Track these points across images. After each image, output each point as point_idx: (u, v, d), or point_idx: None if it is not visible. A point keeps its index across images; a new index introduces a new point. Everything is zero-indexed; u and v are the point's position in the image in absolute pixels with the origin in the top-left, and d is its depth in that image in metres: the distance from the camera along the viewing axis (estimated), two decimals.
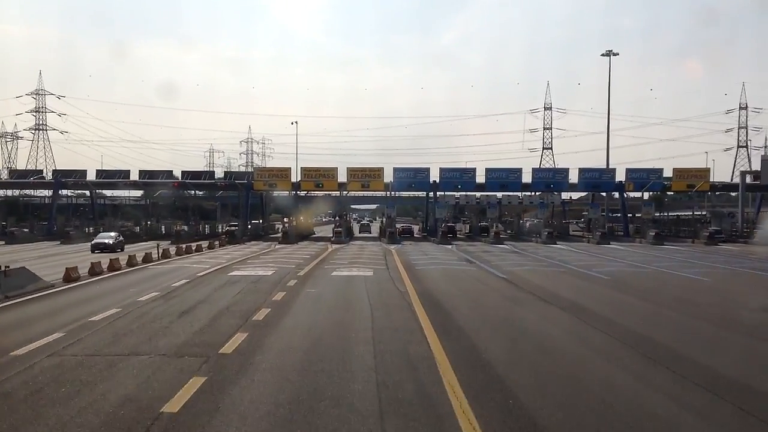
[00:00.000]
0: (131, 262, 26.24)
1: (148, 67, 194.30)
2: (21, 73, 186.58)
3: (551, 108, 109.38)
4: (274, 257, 32.80)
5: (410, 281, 20.76)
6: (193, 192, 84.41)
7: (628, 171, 57.75)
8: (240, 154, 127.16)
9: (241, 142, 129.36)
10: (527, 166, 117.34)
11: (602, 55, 71.17)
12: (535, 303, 16.44)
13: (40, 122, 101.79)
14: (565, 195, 63.75)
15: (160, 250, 30.99)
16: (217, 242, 44.81)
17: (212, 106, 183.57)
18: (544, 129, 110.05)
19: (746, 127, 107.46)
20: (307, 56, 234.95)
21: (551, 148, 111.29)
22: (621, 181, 57.17)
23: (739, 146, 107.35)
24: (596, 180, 56.91)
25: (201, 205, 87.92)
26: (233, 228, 53.14)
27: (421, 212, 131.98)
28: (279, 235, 55.85)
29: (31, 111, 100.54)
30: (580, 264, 29.09)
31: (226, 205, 76.43)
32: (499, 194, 58.44)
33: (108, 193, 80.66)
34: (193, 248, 36.98)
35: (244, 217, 57.71)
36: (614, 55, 71.68)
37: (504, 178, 57.35)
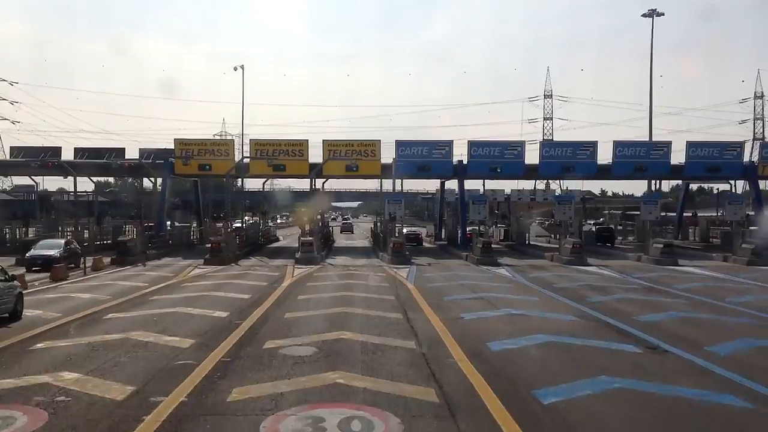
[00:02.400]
0: None
1: (126, 57, 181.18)
2: None
3: (552, 96, 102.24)
4: (129, 324, 14.50)
5: None
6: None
7: (763, 146, 40.02)
8: None
9: (214, 135, 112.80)
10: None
11: (643, 15, 55.86)
12: None
13: None
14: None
15: None
16: (87, 263, 26.67)
17: (190, 98, 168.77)
18: (544, 119, 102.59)
19: (762, 118, 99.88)
20: (295, 49, 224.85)
21: (552, 140, 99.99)
22: (753, 162, 39.53)
23: (755, 138, 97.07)
24: (714, 159, 39.01)
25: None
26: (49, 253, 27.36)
27: (407, 210, 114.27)
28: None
29: None
30: None
31: (188, 201, 57.89)
32: (494, 186, 41.34)
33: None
34: None
35: (159, 216, 39.18)
36: (658, 15, 55.92)
37: (569, 158, 39.43)
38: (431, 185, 68.53)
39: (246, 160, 39.88)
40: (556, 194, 41.41)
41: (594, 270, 28.56)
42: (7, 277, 15.36)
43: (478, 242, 32.02)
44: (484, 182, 39.82)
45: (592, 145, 39.90)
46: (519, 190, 67.12)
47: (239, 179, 47.86)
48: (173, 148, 40.82)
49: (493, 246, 33.61)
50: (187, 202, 57.21)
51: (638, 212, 64.72)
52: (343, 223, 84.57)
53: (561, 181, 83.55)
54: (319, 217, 43.14)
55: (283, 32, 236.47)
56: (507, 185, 55.75)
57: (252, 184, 62.22)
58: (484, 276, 25.90)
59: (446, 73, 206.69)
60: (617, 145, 40.04)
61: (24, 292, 16.45)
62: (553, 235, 50.58)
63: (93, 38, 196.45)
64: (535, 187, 54.92)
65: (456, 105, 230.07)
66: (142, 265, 29.89)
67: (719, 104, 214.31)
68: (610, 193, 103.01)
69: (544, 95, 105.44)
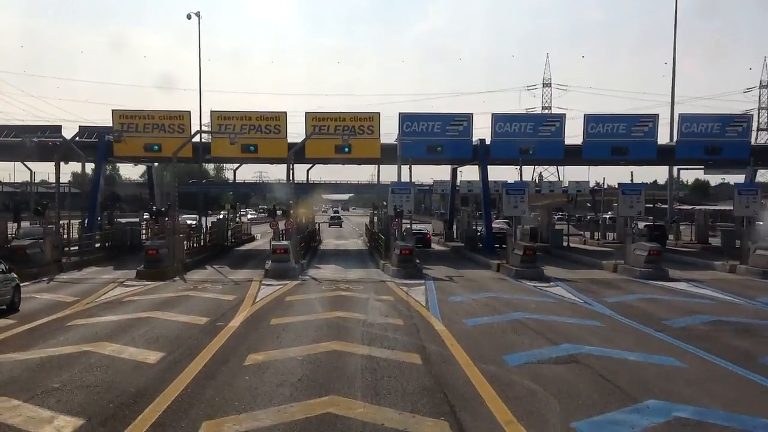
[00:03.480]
0: None
1: (118, 49, 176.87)
2: None
3: (551, 84, 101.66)
4: None
5: None
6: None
7: None
8: None
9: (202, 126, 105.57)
10: None
11: None
12: None
13: None
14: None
15: None
16: None
17: (187, 88, 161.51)
18: (543, 108, 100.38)
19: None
20: (291, 42, 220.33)
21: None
22: None
23: (759, 129, 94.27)
24: None
25: (135, 195, 64.76)
26: None
27: (387, 203, 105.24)
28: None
29: None
30: None
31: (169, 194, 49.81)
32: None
33: None
34: None
35: (92, 209, 30.95)
36: None
37: (623, 136, 31.51)
38: (427, 175, 60.71)
39: (206, 138, 31.65)
40: (565, 185, 33.14)
41: (689, 289, 20.65)
42: (4, 269, 15.21)
43: (517, 247, 24.00)
44: (520, 168, 31.65)
45: (652, 120, 31.97)
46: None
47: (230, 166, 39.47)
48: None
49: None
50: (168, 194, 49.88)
51: (658, 205, 57.35)
52: (331, 217, 77.58)
53: (532, 168, 76.99)
54: (303, 210, 34.99)
55: (279, 25, 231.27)
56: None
57: (244, 174, 54.24)
58: (541, 301, 17.89)
59: (443, 62, 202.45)
60: (683, 119, 32.10)
61: None
62: (590, 234, 42.83)
63: (83, 29, 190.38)
64: (533, 176, 47.60)
65: (451, 94, 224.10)
66: (47, 280, 21.78)
67: (720, 94, 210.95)
68: (593, 183, 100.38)
69: (543, 84, 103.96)
